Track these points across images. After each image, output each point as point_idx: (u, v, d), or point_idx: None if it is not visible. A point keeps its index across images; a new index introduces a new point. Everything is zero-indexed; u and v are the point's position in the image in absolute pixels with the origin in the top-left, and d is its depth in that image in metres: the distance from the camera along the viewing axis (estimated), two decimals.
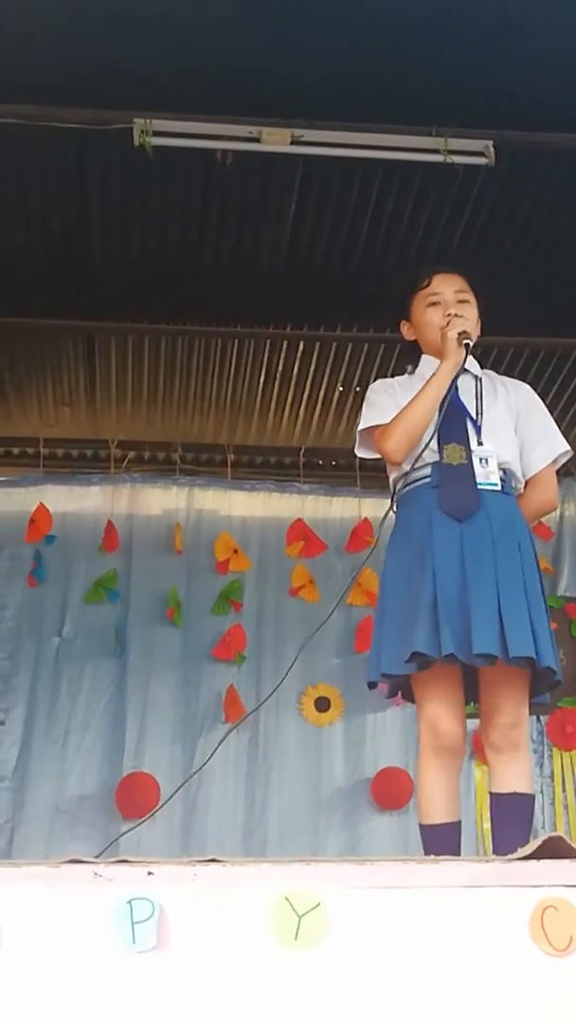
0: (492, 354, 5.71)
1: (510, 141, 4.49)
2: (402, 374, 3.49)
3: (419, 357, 3.42)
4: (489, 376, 3.39)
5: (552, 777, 6.13)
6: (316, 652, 5.76)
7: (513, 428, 3.31)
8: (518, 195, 4.84)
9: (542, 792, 6.11)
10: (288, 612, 6.14)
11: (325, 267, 5.20)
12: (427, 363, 3.37)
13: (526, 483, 3.33)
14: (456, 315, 3.26)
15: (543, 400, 6.00)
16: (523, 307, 5.36)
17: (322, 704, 5.99)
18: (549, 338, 5.75)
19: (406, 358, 3.52)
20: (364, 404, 3.37)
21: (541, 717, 6.19)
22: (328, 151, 4.45)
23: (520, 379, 5.80)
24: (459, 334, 3.20)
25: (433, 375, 3.22)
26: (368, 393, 3.39)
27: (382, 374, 5.16)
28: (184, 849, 5.56)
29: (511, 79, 4.19)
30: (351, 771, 5.91)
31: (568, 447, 3.42)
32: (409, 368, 3.46)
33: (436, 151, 4.43)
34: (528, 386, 3.50)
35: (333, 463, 6.62)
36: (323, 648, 5.78)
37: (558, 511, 6.56)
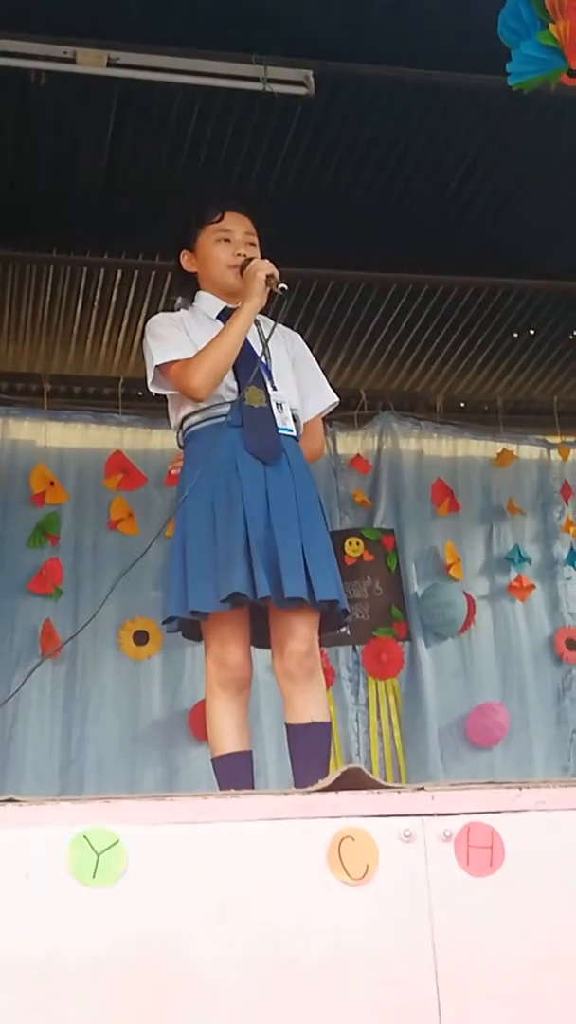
0: (312, 287, 5.74)
1: (331, 72, 4.47)
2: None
3: (194, 291, 3.38)
4: (267, 322, 3.36)
5: (367, 705, 6.26)
6: (134, 586, 5.71)
7: (292, 375, 3.33)
8: (338, 127, 4.83)
9: (357, 720, 6.25)
10: (106, 545, 6.08)
11: (143, 194, 5.11)
12: (205, 299, 3.34)
13: None
14: (253, 258, 3.23)
15: (359, 332, 6.11)
16: (341, 241, 5.39)
17: (140, 637, 5.98)
18: (364, 272, 5.78)
19: (180, 288, 3.44)
20: (150, 338, 3.27)
21: (357, 646, 6.31)
22: (145, 75, 4.36)
23: (338, 314, 5.93)
24: (268, 276, 3.17)
25: (236, 314, 3.18)
26: (153, 327, 3.29)
27: None
28: (0, 785, 5.50)
29: (332, 9, 4.16)
30: (169, 704, 5.93)
31: (336, 397, 3.47)
32: (180, 301, 3.42)
33: (256, 79, 4.38)
34: (299, 335, 3.52)
35: (153, 394, 6.55)
36: (141, 582, 5.73)
37: (376, 444, 6.69)
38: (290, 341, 3.43)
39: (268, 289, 3.19)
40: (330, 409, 3.47)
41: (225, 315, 3.26)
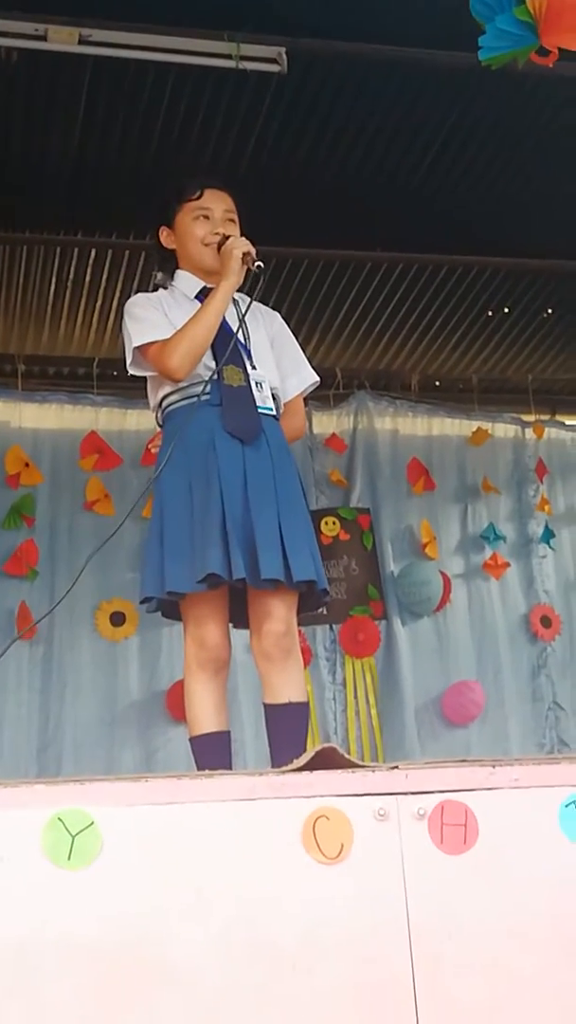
0: (286, 266, 5.73)
1: (303, 49, 4.45)
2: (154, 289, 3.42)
3: (174, 268, 3.37)
4: (245, 300, 3.34)
5: (344, 684, 6.29)
6: (111, 567, 5.73)
7: (272, 354, 3.32)
8: (311, 105, 4.81)
9: (335, 699, 6.27)
10: (82, 526, 6.07)
11: (116, 172, 5.08)
12: (183, 278, 3.31)
13: None
14: (230, 236, 3.19)
15: (335, 311, 6.10)
16: (315, 219, 5.37)
17: (117, 619, 5.97)
18: (341, 250, 5.77)
19: (160, 265, 3.41)
20: (128, 319, 3.24)
21: (334, 625, 6.33)
22: (117, 52, 4.33)
23: (313, 292, 5.92)
24: (244, 254, 3.14)
25: (213, 293, 3.15)
26: (131, 308, 3.26)
27: None
28: None
29: None
30: (146, 685, 5.94)
31: (316, 377, 3.45)
32: (159, 277, 3.40)
33: (228, 57, 4.36)
34: (278, 314, 3.49)
35: (129, 374, 6.53)
36: (118, 563, 5.75)
37: (351, 424, 6.70)
38: (269, 320, 3.40)
39: (245, 267, 3.17)
40: (311, 388, 3.45)
41: (203, 294, 3.24)
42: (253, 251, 3.18)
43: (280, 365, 3.33)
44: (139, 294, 3.40)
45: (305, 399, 3.53)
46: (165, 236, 3.36)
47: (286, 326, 3.45)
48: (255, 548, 2.96)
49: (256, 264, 3.17)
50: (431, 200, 5.43)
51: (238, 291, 3.26)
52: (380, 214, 5.44)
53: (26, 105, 4.70)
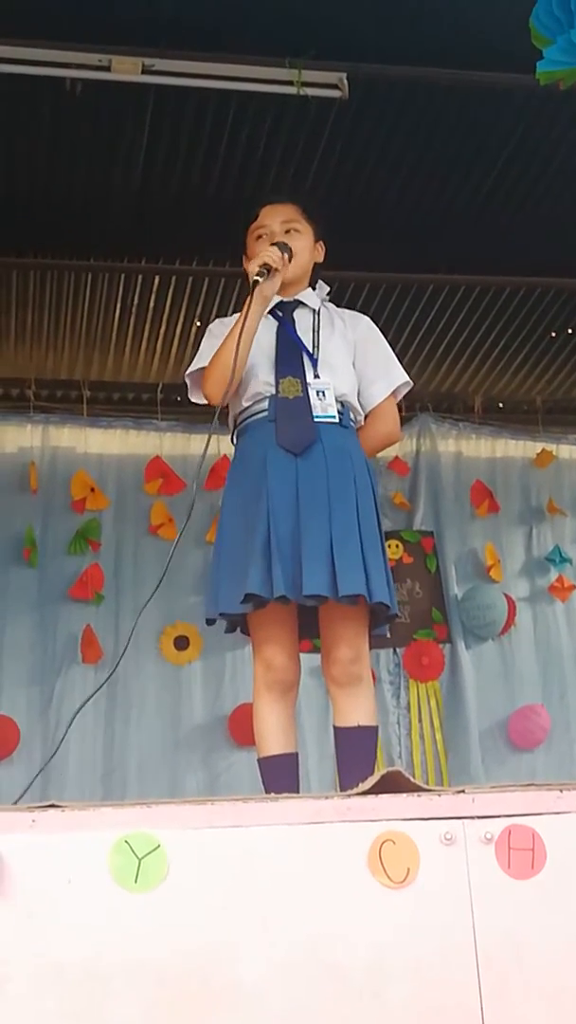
0: (349, 289, 5.74)
1: (364, 74, 4.46)
2: None
3: None
4: (328, 309, 3.36)
5: (408, 708, 6.26)
6: (175, 591, 5.75)
7: (351, 361, 3.28)
8: (372, 129, 4.82)
9: (399, 723, 6.24)
10: (147, 550, 6.11)
11: (179, 199, 5.12)
12: None
13: (367, 416, 3.32)
14: (265, 258, 3.17)
15: (397, 333, 6.08)
16: (377, 242, 5.38)
17: (181, 643, 5.99)
18: (400, 274, 5.77)
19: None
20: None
21: (398, 649, 6.30)
22: (180, 81, 4.37)
23: (375, 315, 5.91)
24: (259, 267, 3.12)
25: (242, 314, 3.13)
26: (205, 335, 3.35)
27: (239, 308, 5.17)
28: (43, 791, 5.50)
29: (366, 12, 4.15)
30: (210, 708, 5.95)
31: (407, 378, 3.40)
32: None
33: (290, 83, 4.38)
34: (368, 318, 3.46)
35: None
36: (182, 586, 5.77)
37: (414, 446, 6.68)
38: (351, 325, 3.38)
39: (260, 285, 3.14)
40: (404, 390, 3.40)
41: (280, 308, 3.28)
42: (270, 259, 3.14)
43: (367, 370, 3.31)
44: (218, 320, 3.44)
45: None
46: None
47: (375, 328, 3.43)
48: (302, 564, 2.94)
49: (257, 272, 3.14)
50: (493, 222, 5.41)
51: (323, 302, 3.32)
52: (442, 236, 5.44)
53: (91, 135, 4.76)
